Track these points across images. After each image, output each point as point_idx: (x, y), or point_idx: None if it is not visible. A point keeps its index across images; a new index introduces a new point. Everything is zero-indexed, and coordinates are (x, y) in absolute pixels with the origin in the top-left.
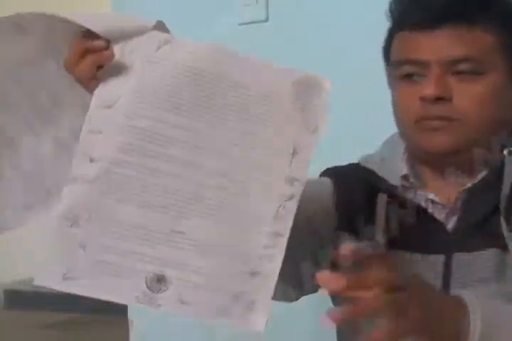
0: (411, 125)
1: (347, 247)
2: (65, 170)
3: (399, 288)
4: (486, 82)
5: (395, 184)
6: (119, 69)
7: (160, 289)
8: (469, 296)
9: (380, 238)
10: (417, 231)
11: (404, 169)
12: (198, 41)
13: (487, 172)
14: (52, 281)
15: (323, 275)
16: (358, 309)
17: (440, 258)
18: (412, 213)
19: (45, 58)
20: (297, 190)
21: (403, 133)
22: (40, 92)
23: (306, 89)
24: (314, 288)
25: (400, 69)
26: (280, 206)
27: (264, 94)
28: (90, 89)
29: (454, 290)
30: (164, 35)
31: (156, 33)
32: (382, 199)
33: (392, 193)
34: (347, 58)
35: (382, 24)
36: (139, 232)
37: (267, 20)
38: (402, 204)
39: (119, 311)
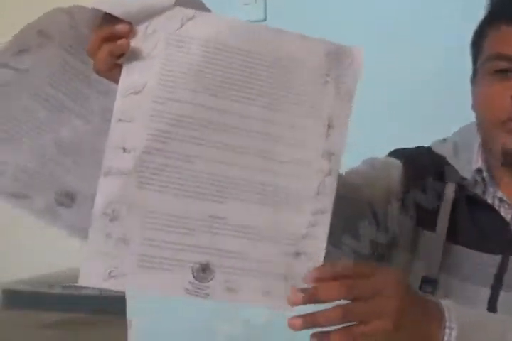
0: (496, 124)
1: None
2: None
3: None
4: None
5: (465, 176)
6: (142, 53)
7: (206, 278)
8: (447, 303)
9: (442, 228)
10: (480, 228)
11: (478, 163)
12: (222, 15)
13: None
14: (97, 280)
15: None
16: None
17: (497, 259)
18: (479, 209)
19: (73, 58)
20: (335, 164)
21: (485, 130)
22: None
23: (338, 60)
24: None
25: (493, 63)
26: (320, 183)
27: (297, 68)
28: (112, 79)
29: (504, 293)
30: (187, 11)
31: (178, 10)
32: (450, 189)
33: (460, 184)
34: None
35: (380, 24)
36: (179, 222)
37: (265, 19)
38: (470, 198)
39: (117, 311)
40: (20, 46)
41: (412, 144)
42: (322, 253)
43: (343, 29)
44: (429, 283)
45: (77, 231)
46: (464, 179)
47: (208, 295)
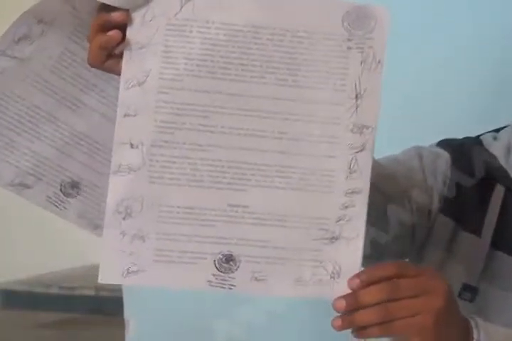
0: None
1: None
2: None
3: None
4: None
5: None
6: (141, 42)
7: (231, 269)
8: (478, 320)
9: (488, 234)
10: None
11: None
12: None
13: None
14: (116, 278)
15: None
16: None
17: None
18: None
19: (77, 45)
20: (369, 137)
21: None
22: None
23: (361, 22)
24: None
25: None
26: (352, 159)
27: (313, 38)
28: (109, 71)
29: None
30: None
31: None
32: (499, 192)
33: (510, 188)
34: None
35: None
36: (195, 213)
37: None
38: None
39: (115, 311)
40: (20, 34)
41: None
42: (362, 237)
43: None
44: (468, 290)
45: (85, 222)
46: None
47: (234, 286)
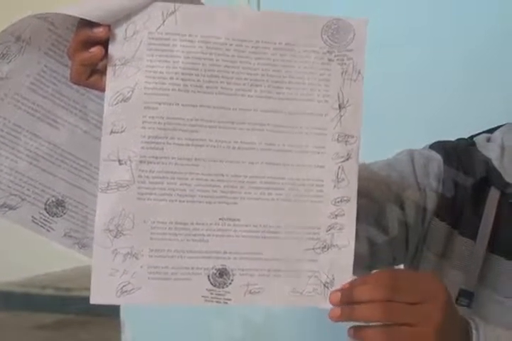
0: None
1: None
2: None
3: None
4: None
5: (510, 182)
6: (124, 57)
7: (225, 283)
8: (478, 322)
9: (484, 238)
10: None
11: None
12: (207, 5)
13: None
14: (109, 297)
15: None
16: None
17: None
18: None
19: (55, 62)
20: (354, 146)
21: None
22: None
23: (340, 35)
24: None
25: None
26: (339, 168)
27: (294, 51)
28: (92, 87)
29: None
30: (167, 5)
31: (158, 5)
32: (494, 195)
33: (504, 191)
34: None
35: (373, 25)
36: (187, 229)
37: None
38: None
39: (111, 312)
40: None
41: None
42: (352, 244)
43: None
44: (465, 295)
45: (72, 242)
46: (508, 185)
47: (230, 300)
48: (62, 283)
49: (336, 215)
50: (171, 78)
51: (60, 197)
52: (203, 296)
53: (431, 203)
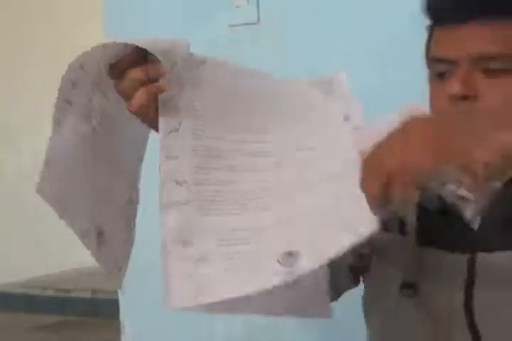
0: None
1: None
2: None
3: None
4: None
5: None
6: (171, 93)
7: (295, 261)
8: None
9: (412, 231)
10: (446, 228)
11: None
12: (224, 60)
13: None
14: (188, 300)
15: None
16: None
17: (465, 257)
18: (442, 209)
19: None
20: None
21: None
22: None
23: (323, 88)
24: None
25: (433, 67)
26: None
27: (298, 100)
28: (147, 117)
29: (478, 291)
30: (199, 56)
31: (192, 54)
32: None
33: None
34: (338, 60)
35: (373, 26)
36: (243, 233)
37: (258, 21)
38: (432, 198)
39: (110, 313)
40: (72, 80)
41: None
42: None
43: (336, 31)
44: (408, 287)
45: (110, 268)
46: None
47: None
48: (62, 284)
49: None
50: (209, 117)
51: (101, 228)
52: (276, 278)
53: None
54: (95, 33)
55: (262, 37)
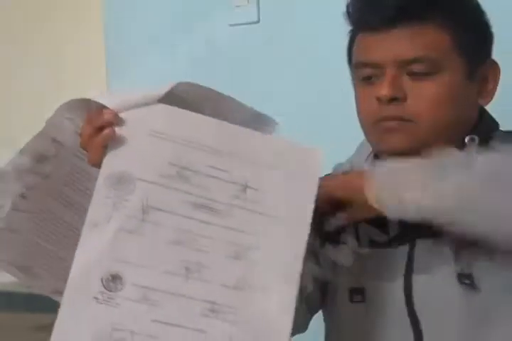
0: (370, 126)
1: None
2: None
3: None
4: (440, 81)
5: None
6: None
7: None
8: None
9: (350, 241)
10: (381, 230)
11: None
12: (195, 114)
13: None
14: None
15: None
16: None
17: (405, 249)
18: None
19: (80, 161)
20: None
21: (365, 134)
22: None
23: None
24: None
25: (359, 71)
26: None
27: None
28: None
29: (416, 276)
30: (167, 108)
31: (160, 107)
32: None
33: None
34: (338, 59)
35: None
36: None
37: (258, 21)
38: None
39: None
40: (41, 154)
41: None
42: None
43: (336, 31)
44: (356, 292)
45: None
46: None
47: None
48: None
49: None
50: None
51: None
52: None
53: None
54: (95, 32)
55: (262, 37)
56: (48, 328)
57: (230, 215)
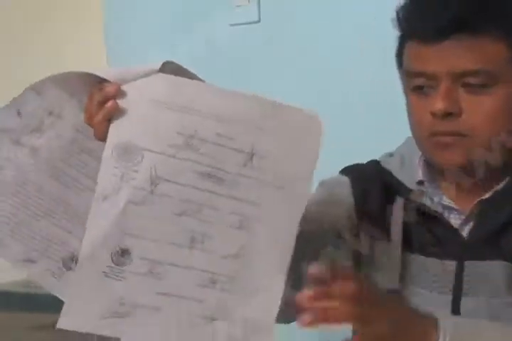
0: (424, 139)
1: (314, 268)
2: None
3: (363, 300)
4: (496, 94)
5: (411, 188)
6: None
7: None
8: (444, 317)
9: (397, 240)
10: (432, 236)
11: (419, 175)
12: (195, 81)
13: (506, 182)
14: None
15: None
16: (322, 317)
17: (452, 264)
18: (430, 218)
19: (83, 136)
20: None
21: (418, 144)
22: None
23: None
24: None
25: (411, 81)
26: None
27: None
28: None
29: (466, 299)
30: (168, 77)
31: (160, 76)
32: (399, 202)
33: (409, 197)
34: (338, 59)
35: (373, 25)
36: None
37: (258, 21)
38: (419, 208)
39: None
40: (33, 125)
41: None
42: None
43: (336, 30)
44: (392, 294)
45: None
46: (410, 191)
47: None
48: None
49: None
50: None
51: (75, 253)
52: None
53: (351, 220)
54: (95, 32)
55: (262, 37)
56: (46, 328)
57: (236, 185)
